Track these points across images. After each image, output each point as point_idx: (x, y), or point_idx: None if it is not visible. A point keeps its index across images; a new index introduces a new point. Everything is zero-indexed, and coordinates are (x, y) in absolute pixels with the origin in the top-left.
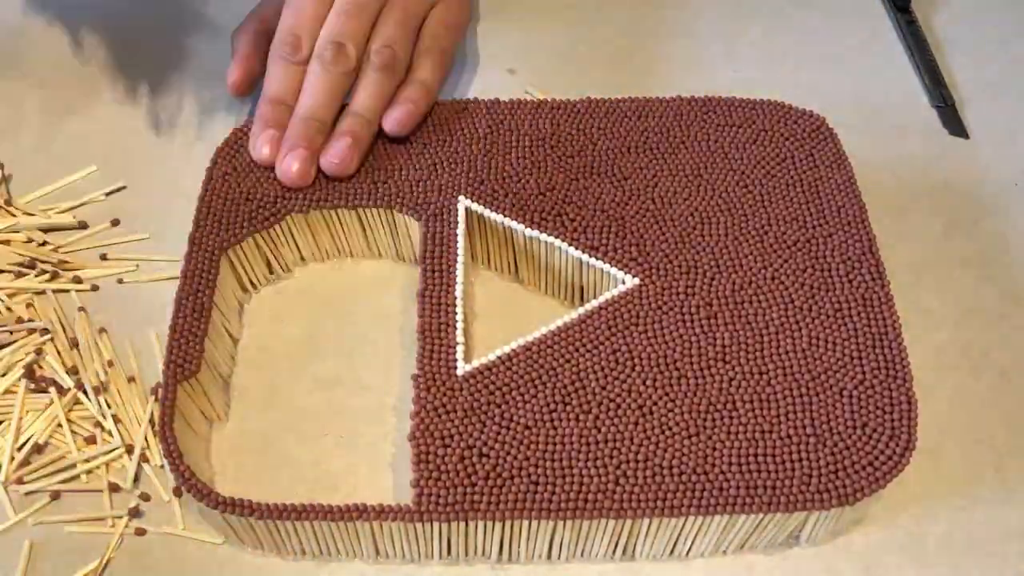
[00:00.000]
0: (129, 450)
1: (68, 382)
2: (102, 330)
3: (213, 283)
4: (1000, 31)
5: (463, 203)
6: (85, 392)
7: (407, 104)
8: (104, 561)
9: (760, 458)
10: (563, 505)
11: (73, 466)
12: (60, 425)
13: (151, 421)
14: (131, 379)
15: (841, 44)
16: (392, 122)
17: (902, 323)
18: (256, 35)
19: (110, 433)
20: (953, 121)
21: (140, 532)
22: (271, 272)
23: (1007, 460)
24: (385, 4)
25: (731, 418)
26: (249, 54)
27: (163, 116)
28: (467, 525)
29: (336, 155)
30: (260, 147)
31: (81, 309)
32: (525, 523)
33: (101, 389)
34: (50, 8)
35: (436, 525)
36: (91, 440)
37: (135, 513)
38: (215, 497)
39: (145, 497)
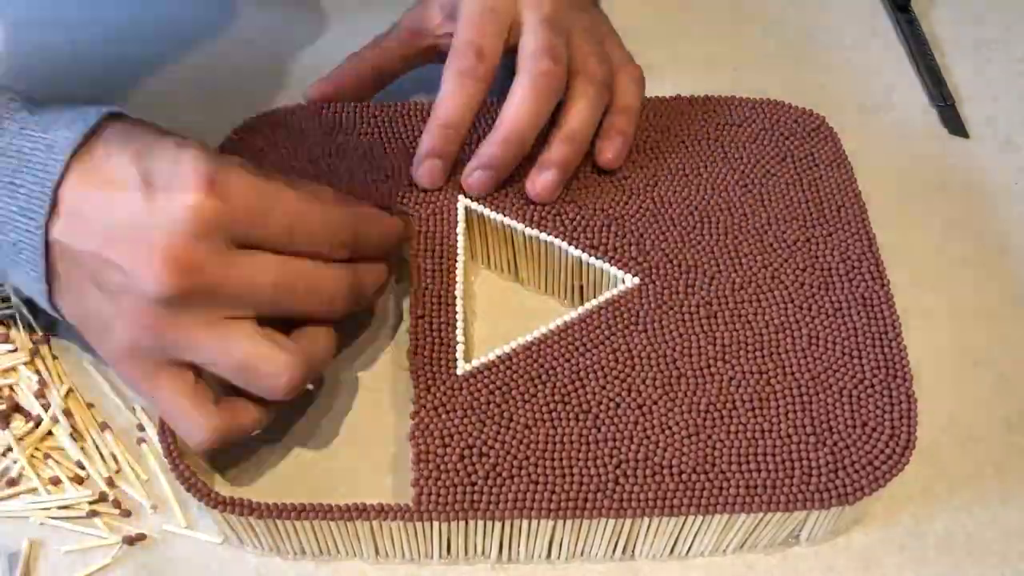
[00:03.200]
0: (103, 497)
1: (37, 410)
2: None
3: None
4: (1000, 31)
5: (463, 202)
6: (57, 420)
7: (622, 136)
8: (104, 561)
9: (760, 457)
10: (563, 504)
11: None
12: (32, 456)
13: (142, 435)
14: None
15: (841, 44)
16: (611, 160)
17: (902, 323)
18: (370, 62)
19: (81, 469)
20: (953, 121)
21: (140, 534)
22: None
23: (1007, 460)
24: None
25: (731, 417)
26: (348, 74)
27: (161, 119)
28: (467, 524)
29: (545, 188)
30: (424, 174)
31: None
32: (525, 523)
33: (70, 414)
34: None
35: (436, 524)
36: (56, 481)
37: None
38: (215, 497)
39: None
